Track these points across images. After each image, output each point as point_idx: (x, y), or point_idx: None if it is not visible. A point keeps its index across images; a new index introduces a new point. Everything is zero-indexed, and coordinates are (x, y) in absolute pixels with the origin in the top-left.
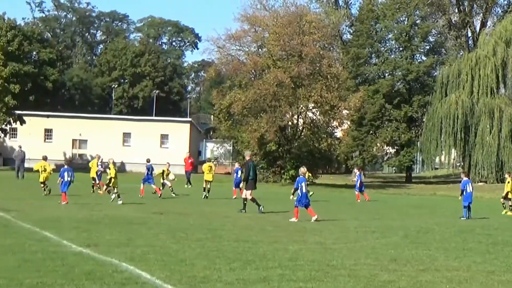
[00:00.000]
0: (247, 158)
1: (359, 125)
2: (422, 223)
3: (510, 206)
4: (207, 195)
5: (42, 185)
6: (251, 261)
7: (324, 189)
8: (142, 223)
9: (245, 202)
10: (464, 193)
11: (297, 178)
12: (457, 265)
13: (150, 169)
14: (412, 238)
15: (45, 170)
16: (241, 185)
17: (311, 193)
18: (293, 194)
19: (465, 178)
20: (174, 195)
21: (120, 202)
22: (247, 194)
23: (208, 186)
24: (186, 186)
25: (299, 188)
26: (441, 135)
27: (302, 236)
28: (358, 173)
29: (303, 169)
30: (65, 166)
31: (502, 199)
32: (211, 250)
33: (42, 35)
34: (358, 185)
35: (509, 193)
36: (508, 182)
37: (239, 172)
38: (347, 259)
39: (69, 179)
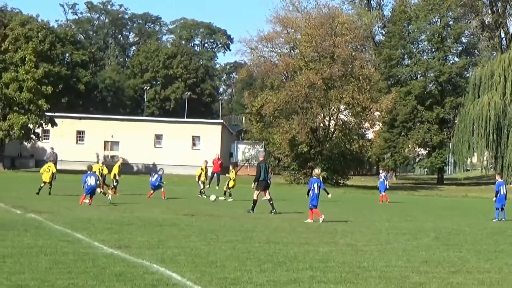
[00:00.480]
0: (261, 159)
1: (390, 126)
2: (453, 225)
3: None
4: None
5: (47, 185)
6: (282, 263)
7: (356, 190)
8: (173, 225)
9: (271, 203)
10: (498, 195)
11: (310, 179)
12: (488, 267)
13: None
14: (444, 240)
15: (49, 170)
16: (252, 185)
17: (329, 195)
18: (307, 195)
19: (499, 180)
20: (204, 196)
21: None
22: (255, 194)
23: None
24: (217, 187)
25: (312, 189)
26: (473, 136)
27: (333, 238)
28: (384, 174)
29: (317, 171)
30: (88, 172)
31: None
32: (242, 251)
33: (75, 37)
34: (383, 186)
35: None
36: None
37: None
38: (378, 261)
39: (92, 183)
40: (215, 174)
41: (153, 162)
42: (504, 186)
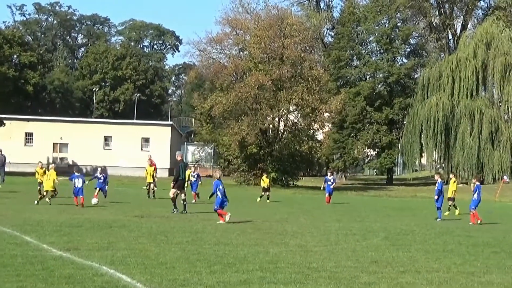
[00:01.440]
0: (178, 159)
1: (340, 127)
2: (402, 225)
3: (452, 205)
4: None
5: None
6: (232, 264)
7: (306, 191)
8: (122, 226)
9: (180, 202)
10: (441, 194)
11: (214, 182)
12: (437, 267)
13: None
14: (393, 240)
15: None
16: (171, 185)
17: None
18: (210, 198)
19: (440, 180)
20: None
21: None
22: (171, 192)
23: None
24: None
25: (216, 191)
26: (421, 137)
27: (283, 239)
28: (333, 176)
29: (218, 172)
30: (75, 173)
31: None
32: (192, 253)
33: (23, 38)
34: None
35: (454, 192)
36: (454, 182)
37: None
38: (327, 261)
39: (79, 185)
40: None
41: (102, 164)
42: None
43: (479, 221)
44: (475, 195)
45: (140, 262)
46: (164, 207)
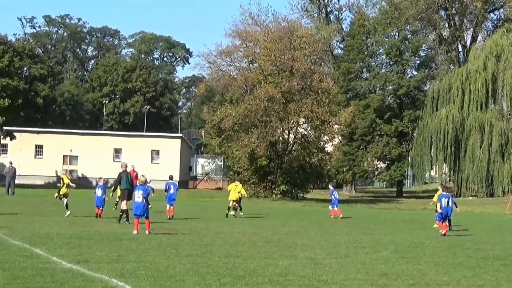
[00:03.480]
0: (122, 169)
1: (350, 140)
2: (412, 237)
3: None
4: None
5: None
6: (241, 277)
7: (315, 204)
8: (132, 239)
9: (124, 214)
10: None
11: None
12: (447, 280)
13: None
14: (403, 253)
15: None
16: (111, 194)
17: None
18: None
19: (442, 192)
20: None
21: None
22: (123, 204)
23: (234, 204)
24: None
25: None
26: (431, 149)
27: (292, 252)
28: (332, 189)
29: (142, 178)
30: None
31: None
32: (202, 266)
33: (33, 51)
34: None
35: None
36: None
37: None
38: (337, 274)
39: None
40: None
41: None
42: (446, 198)
43: (443, 231)
44: (444, 205)
45: (149, 274)
46: (172, 221)
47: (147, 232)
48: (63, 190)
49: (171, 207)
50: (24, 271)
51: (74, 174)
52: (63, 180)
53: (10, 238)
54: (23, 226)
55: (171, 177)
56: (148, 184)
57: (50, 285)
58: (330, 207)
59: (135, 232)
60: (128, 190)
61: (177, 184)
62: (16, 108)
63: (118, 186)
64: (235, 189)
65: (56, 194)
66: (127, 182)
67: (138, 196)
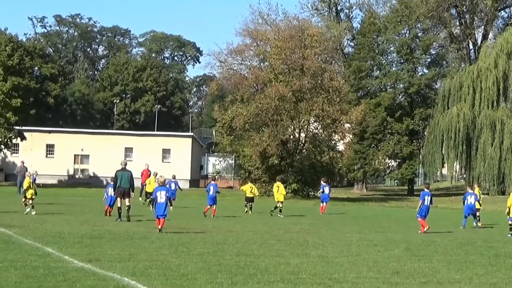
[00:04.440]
0: (122, 167)
1: (361, 138)
2: (424, 236)
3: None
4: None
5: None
6: (253, 275)
7: None
8: (143, 238)
9: (120, 211)
10: (465, 203)
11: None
12: (459, 278)
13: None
14: (414, 251)
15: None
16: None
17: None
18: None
19: (469, 190)
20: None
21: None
22: (118, 202)
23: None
24: (140, 199)
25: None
26: (442, 148)
27: (304, 250)
28: (323, 184)
29: (161, 179)
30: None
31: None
32: (213, 264)
33: (43, 50)
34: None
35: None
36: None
37: (211, 188)
38: (349, 272)
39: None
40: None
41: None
42: (471, 196)
43: (426, 229)
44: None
45: (161, 273)
46: (184, 219)
47: (159, 227)
48: (29, 193)
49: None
50: (36, 270)
51: (85, 173)
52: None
53: (22, 237)
54: (34, 225)
55: (173, 177)
56: (175, 180)
57: (62, 284)
58: (321, 203)
59: (160, 227)
60: (124, 189)
61: (178, 182)
62: (27, 107)
63: (130, 184)
64: (278, 191)
65: (23, 199)
66: (125, 180)
67: (161, 196)
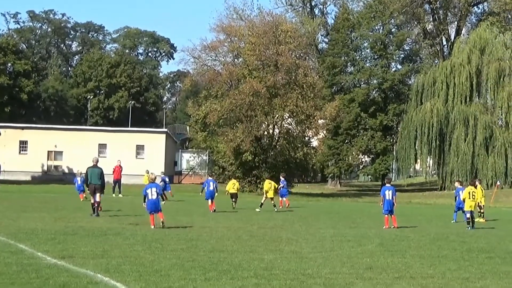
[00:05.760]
0: (93, 163)
1: (334, 134)
2: (397, 231)
3: (481, 212)
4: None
5: None
6: (227, 271)
7: (301, 198)
8: (117, 234)
9: (95, 206)
10: (457, 199)
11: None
12: (432, 273)
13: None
14: (388, 246)
15: None
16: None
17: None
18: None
19: (459, 186)
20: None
21: None
22: (91, 198)
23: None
24: (114, 195)
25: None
26: (416, 143)
27: (277, 246)
28: (282, 179)
29: (152, 176)
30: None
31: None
32: (187, 260)
33: (17, 46)
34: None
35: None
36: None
37: (211, 184)
38: (322, 268)
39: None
40: (117, 182)
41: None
42: (462, 191)
43: (393, 226)
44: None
45: (135, 269)
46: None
47: (161, 220)
48: None
49: None
50: (9, 266)
51: (59, 170)
52: None
53: None
54: (7, 222)
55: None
56: (163, 176)
57: (35, 280)
58: (280, 198)
59: (152, 227)
60: (94, 185)
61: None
62: (1, 104)
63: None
64: (271, 187)
65: None
66: (95, 177)
67: (152, 193)
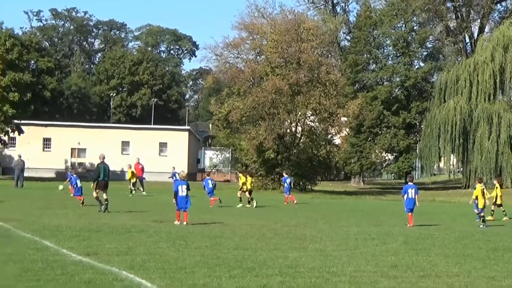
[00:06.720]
0: (100, 160)
1: (357, 132)
2: (421, 229)
3: (503, 211)
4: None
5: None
6: (251, 269)
7: (324, 196)
8: (141, 231)
9: (100, 200)
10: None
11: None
12: (457, 271)
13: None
14: (412, 244)
15: None
16: (91, 185)
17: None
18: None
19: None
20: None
21: None
22: (94, 193)
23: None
24: (144, 193)
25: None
26: (439, 141)
27: (302, 243)
28: (285, 176)
29: (183, 173)
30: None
31: (492, 206)
32: (211, 257)
33: (40, 44)
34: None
35: (499, 198)
36: (496, 188)
37: (209, 182)
38: (347, 266)
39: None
40: (140, 179)
41: (121, 168)
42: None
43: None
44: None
45: (159, 266)
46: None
47: (185, 223)
48: None
49: None
50: (35, 263)
51: (82, 167)
52: None
53: (20, 231)
54: (32, 219)
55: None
56: (174, 171)
57: (61, 277)
58: (284, 194)
59: (177, 222)
60: (104, 181)
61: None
62: (25, 102)
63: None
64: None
65: None
66: (104, 173)
67: (182, 190)
